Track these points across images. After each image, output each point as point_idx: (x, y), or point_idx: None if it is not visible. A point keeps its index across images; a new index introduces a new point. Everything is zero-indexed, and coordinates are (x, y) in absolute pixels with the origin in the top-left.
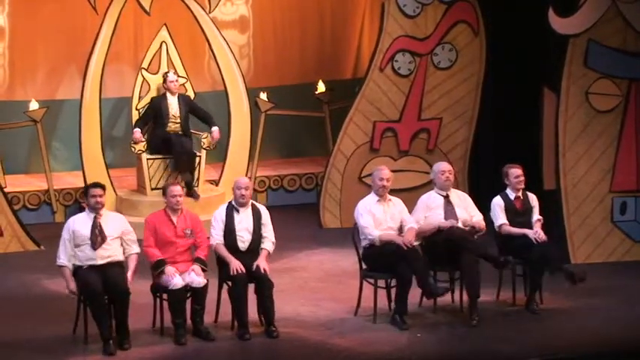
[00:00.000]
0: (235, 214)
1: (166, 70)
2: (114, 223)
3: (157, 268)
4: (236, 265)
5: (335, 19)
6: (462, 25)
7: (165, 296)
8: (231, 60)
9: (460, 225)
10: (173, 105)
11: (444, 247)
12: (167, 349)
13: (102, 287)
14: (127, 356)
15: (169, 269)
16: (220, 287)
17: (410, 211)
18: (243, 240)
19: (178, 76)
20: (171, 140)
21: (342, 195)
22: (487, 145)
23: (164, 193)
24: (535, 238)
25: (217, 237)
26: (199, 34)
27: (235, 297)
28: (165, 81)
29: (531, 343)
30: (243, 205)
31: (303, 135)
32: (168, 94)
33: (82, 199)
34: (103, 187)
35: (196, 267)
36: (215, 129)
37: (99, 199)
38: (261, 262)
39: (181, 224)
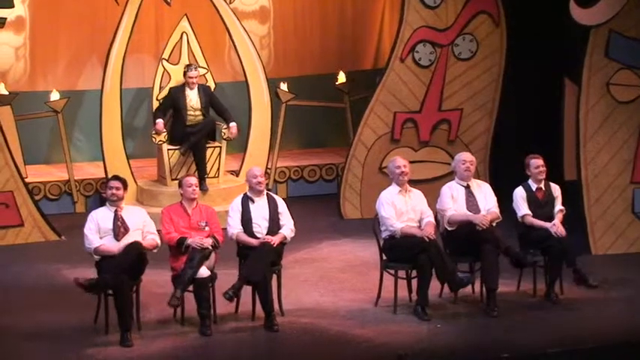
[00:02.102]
0: (251, 204)
1: (189, 64)
2: (134, 216)
3: (181, 245)
4: (261, 240)
5: (355, 10)
6: (482, 16)
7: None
8: (251, 50)
9: (483, 214)
10: (192, 97)
11: (465, 238)
12: (189, 340)
13: (127, 277)
14: (149, 347)
15: (192, 240)
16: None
17: (430, 202)
18: (260, 227)
19: (200, 66)
20: (190, 138)
21: (363, 186)
22: (508, 136)
23: (180, 185)
24: (555, 232)
25: (236, 227)
26: (220, 24)
27: (255, 258)
28: (184, 74)
29: (551, 333)
30: (259, 193)
31: (323, 126)
32: (186, 87)
33: (102, 190)
34: (122, 180)
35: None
36: (232, 125)
37: (115, 192)
38: (274, 238)
39: (196, 216)
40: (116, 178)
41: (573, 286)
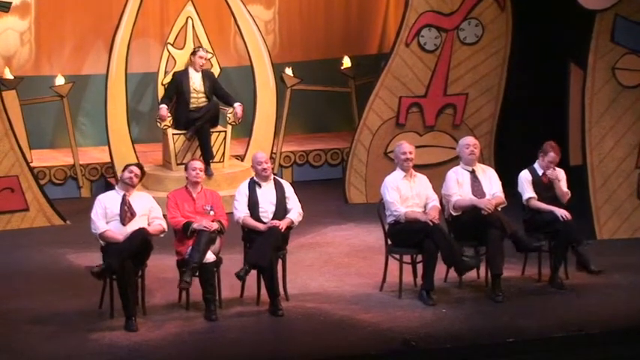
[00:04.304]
0: (258, 189)
1: (199, 46)
2: (141, 201)
3: (187, 229)
4: (269, 224)
5: None
6: (488, 1)
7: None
8: (257, 35)
9: (488, 198)
10: (195, 80)
11: (470, 223)
12: (194, 324)
13: (132, 263)
14: (154, 332)
15: (198, 225)
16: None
17: (435, 187)
18: (267, 212)
19: (208, 52)
20: (194, 122)
21: (368, 170)
22: (513, 120)
23: (186, 169)
24: (561, 216)
25: (243, 211)
26: (225, 9)
27: (261, 243)
28: (194, 54)
29: (556, 318)
30: (265, 178)
31: (328, 110)
32: (190, 70)
33: (108, 174)
34: (142, 170)
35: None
36: (237, 105)
37: (133, 177)
38: (280, 222)
39: (201, 201)
40: (139, 166)
41: (576, 270)
